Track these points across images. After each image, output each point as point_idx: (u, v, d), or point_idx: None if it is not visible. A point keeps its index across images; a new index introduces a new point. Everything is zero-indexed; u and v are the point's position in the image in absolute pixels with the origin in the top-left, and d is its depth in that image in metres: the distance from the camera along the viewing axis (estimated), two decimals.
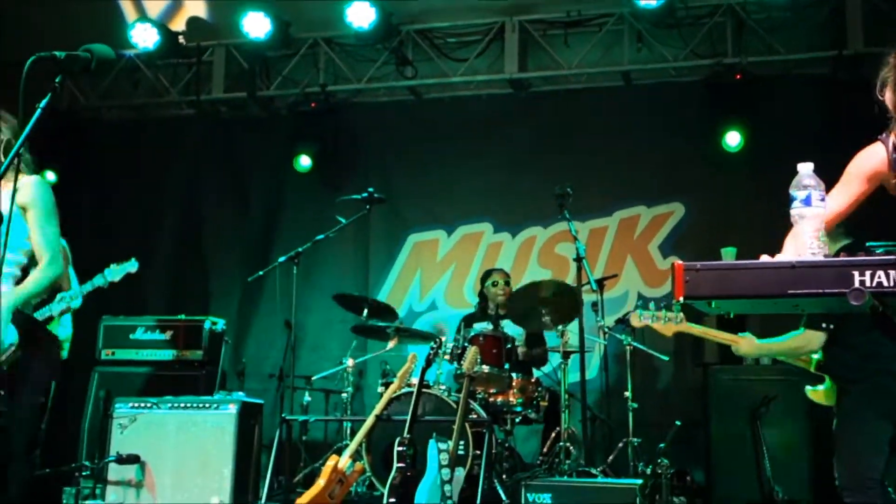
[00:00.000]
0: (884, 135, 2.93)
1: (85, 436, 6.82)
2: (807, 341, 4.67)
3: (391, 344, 6.71)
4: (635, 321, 5.01)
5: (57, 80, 3.44)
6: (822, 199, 2.45)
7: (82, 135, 8.81)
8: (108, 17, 8.54)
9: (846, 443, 4.43)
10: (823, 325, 2.12)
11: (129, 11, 8.85)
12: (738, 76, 7.62)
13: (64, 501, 6.22)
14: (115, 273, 5.62)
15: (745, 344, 4.93)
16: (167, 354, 7.02)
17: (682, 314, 5.01)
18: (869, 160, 2.97)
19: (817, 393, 4.95)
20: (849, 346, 4.45)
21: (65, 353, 5.93)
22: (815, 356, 4.88)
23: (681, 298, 2.37)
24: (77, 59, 3.42)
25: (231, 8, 8.48)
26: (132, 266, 5.65)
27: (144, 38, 8.38)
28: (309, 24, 8.61)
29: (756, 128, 7.62)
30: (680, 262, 2.40)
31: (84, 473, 5.69)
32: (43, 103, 3.38)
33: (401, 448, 5.13)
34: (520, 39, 8.36)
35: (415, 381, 5.63)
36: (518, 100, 8.52)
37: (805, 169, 2.46)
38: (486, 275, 7.29)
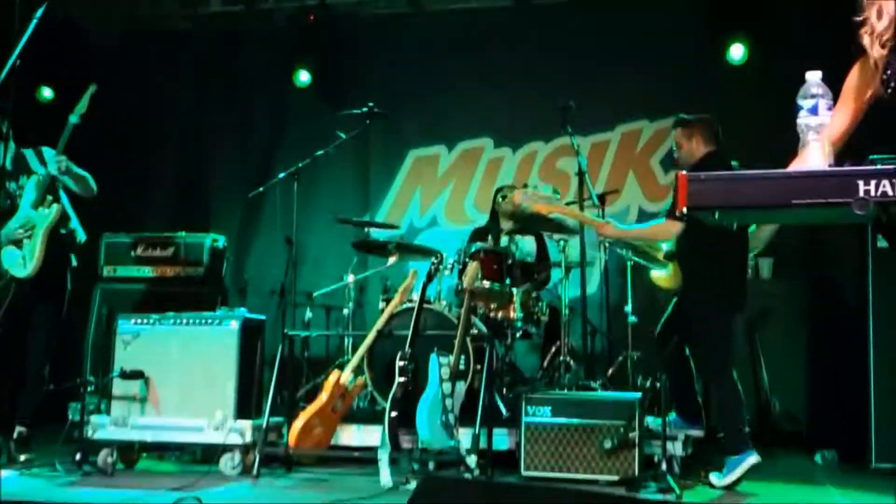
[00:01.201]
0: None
1: (89, 352, 6.89)
2: (665, 230, 5.23)
3: (392, 260, 6.71)
4: (517, 198, 5.43)
5: None
6: (829, 109, 2.42)
7: (77, 48, 8.67)
8: None
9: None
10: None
11: None
12: None
13: (69, 416, 6.29)
14: (79, 107, 5.70)
15: (609, 228, 5.30)
16: (168, 271, 7.04)
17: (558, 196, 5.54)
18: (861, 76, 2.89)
19: (661, 277, 5.78)
20: None
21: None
22: (666, 246, 5.61)
23: (684, 209, 2.36)
24: None
25: None
26: (90, 88, 5.72)
27: None
28: None
29: (761, 39, 7.53)
30: (684, 172, 2.39)
31: (89, 389, 5.71)
32: (39, 13, 3.33)
33: (402, 363, 5.16)
34: None
35: (416, 296, 5.64)
36: (520, 12, 8.39)
37: (813, 77, 2.43)
38: (497, 191, 7.27)
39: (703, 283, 5.21)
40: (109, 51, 8.79)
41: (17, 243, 5.74)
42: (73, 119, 5.72)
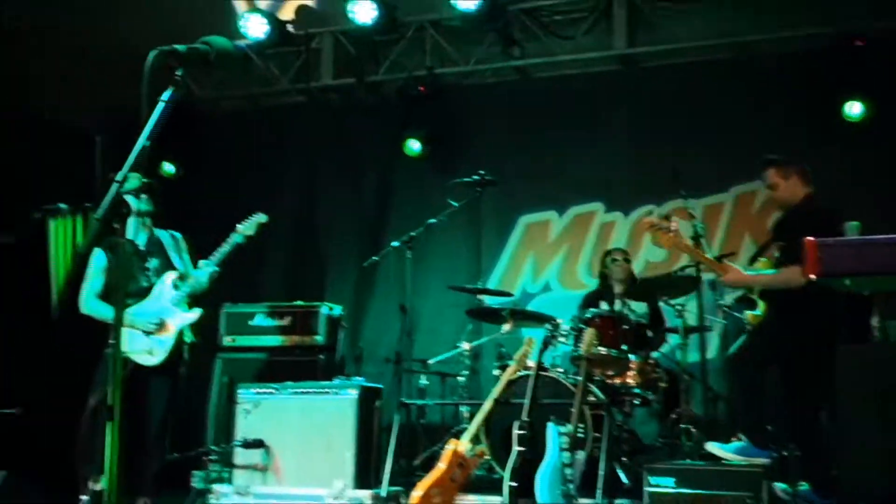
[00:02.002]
0: None
1: (211, 421, 7.03)
2: (796, 276, 4.64)
3: (506, 327, 6.69)
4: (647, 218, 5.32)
5: (178, 73, 3.50)
6: None
7: (197, 125, 9.00)
8: (220, 8, 8.73)
9: None
10: None
11: (239, 3, 9.04)
12: (860, 42, 7.37)
13: (193, 485, 6.41)
14: (247, 228, 5.88)
15: (732, 273, 5.12)
16: (286, 340, 7.17)
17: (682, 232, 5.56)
18: None
19: (755, 315, 5.51)
20: None
21: (191, 336, 6.15)
22: None
23: (813, 276, 2.31)
24: (197, 51, 3.48)
25: None
26: (261, 217, 5.91)
27: (255, 28, 8.55)
28: (414, 6, 8.65)
29: (880, 96, 7.36)
30: (811, 238, 2.33)
31: (212, 458, 5.84)
32: (166, 96, 3.44)
33: (520, 431, 5.12)
34: (628, 14, 8.23)
35: (532, 363, 5.61)
36: (627, 76, 8.39)
37: None
38: (607, 254, 7.24)
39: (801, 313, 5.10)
40: (226, 126, 9.10)
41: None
42: (238, 239, 5.94)
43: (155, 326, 5.78)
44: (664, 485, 5.05)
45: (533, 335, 6.19)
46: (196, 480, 6.37)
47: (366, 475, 5.64)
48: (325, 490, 5.53)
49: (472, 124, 8.75)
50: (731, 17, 7.94)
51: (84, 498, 5.71)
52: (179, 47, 3.44)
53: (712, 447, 5.28)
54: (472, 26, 8.44)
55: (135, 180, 3.44)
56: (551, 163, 8.46)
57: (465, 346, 7.08)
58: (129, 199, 3.73)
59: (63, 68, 8.97)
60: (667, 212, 7.04)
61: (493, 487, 5.63)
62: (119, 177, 3.35)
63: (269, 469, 5.72)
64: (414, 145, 8.56)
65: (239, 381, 6.42)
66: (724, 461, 5.23)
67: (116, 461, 3.14)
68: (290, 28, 8.82)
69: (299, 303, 7.29)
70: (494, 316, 6.82)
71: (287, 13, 8.98)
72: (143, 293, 5.87)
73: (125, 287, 3.54)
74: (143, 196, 5.59)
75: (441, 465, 5.50)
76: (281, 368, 6.87)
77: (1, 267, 7.14)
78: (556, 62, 8.51)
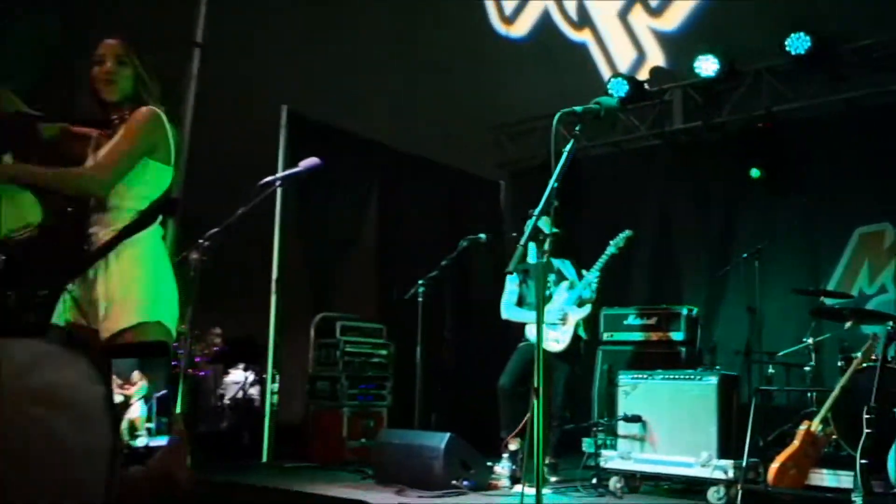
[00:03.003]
0: None
1: (595, 399, 7.17)
2: None
3: (848, 325, 6.21)
4: None
5: (577, 128, 3.67)
6: None
7: (574, 169, 9.21)
8: (590, 76, 8.97)
9: None
10: None
11: (604, 69, 9.21)
12: None
13: (584, 449, 6.57)
14: (617, 241, 6.10)
15: None
16: (653, 336, 7.15)
17: None
18: None
19: None
20: None
21: (585, 334, 6.40)
22: None
23: None
24: (591, 110, 3.63)
25: (685, 55, 8.47)
26: (628, 233, 6.10)
27: (618, 88, 8.66)
28: (751, 56, 8.32)
29: None
30: None
31: (599, 429, 5.96)
32: (568, 147, 3.62)
33: (868, 416, 4.74)
34: None
35: (876, 356, 5.17)
36: None
37: None
38: None
39: None
40: (596, 168, 9.27)
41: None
42: (611, 251, 6.26)
43: (560, 321, 6.15)
44: None
45: (873, 331, 5.71)
46: (586, 445, 6.53)
47: (727, 448, 5.47)
48: (693, 458, 5.44)
49: (806, 151, 8.20)
50: None
51: (505, 455, 6.06)
52: (577, 108, 3.60)
53: None
54: (804, 67, 7.97)
55: (544, 216, 3.65)
56: (884, 179, 7.73)
57: (810, 340, 6.68)
58: (542, 224, 3.94)
59: (472, 133, 9.63)
60: None
61: (841, 464, 5.25)
62: (536, 212, 3.57)
63: (645, 439, 5.72)
64: (755, 172, 8.20)
65: (616, 368, 6.51)
66: None
67: (542, 429, 3.33)
68: (646, 86, 8.83)
69: (664, 305, 7.25)
70: (836, 315, 6.34)
71: (643, 74, 9.00)
72: (546, 300, 6.20)
73: (542, 295, 3.72)
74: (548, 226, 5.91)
75: (795, 443, 5.23)
76: (648, 359, 6.86)
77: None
78: (882, 92, 7.78)
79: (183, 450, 1.02)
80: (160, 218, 3.11)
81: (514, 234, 6.21)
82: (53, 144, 3.13)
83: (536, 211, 3.54)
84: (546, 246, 6.13)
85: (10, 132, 2.97)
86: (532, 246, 6.02)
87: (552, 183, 3.56)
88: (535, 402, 3.16)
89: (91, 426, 0.93)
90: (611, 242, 6.28)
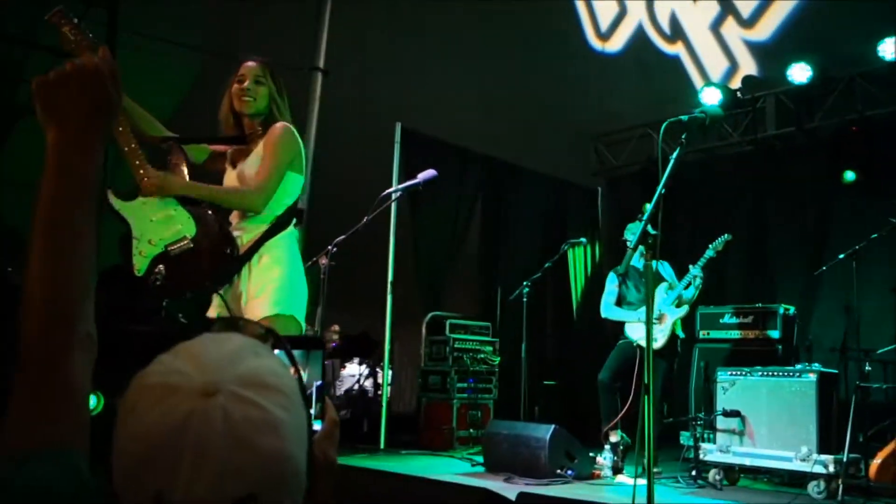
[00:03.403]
0: None
1: (692, 394, 6.92)
2: None
3: None
4: None
5: (683, 136, 3.54)
6: None
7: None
8: (682, 84, 8.71)
9: None
10: None
11: (696, 79, 8.93)
12: None
13: (682, 442, 6.36)
14: (716, 244, 5.89)
15: None
16: (748, 334, 6.87)
17: None
18: None
19: None
20: None
21: (682, 333, 6.21)
22: None
23: None
24: (697, 119, 3.50)
25: (777, 63, 8.13)
26: (726, 237, 5.89)
27: (710, 97, 8.37)
28: (843, 61, 7.90)
29: None
30: None
31: (698, 423, 5.75)
32: (675, 155, 3.49)
33: None
34: None
35: None
36: None
37: None
38: None
39: None
40: (690, 173, 8.98)
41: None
42: (710, 253, 6.06)
43: (656, 320, 5.97)
44: None
45: None
46: (684, 439, 6.33)
47: (827, 443, 5.19)
48: (792, 453, 5.18)
49: None
50: None
51: (606, 447, 5.93)
52: (683, 117, 3.48)
53: None
54: None
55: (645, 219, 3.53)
56: None
57: None
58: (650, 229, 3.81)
59: (570, 143, 9.50)
60: None
61: None
62: (645, 217, 3.46)
63: (744, 434, 5.49)
64: (849, 175, 7.78)
65: (712, 365, 6.25)
66: None
67: (651, 424, 3.21)
68: (738, 94, 8.51)
69: (759, 304, 6.94)
70: None
71: (735, 83, 8.68)
72: (642, 301, 6.06)
73: (651, 297, 3.59)
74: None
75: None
76: (744, 356, 6.58)
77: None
78: None
79: (336, 434, 1.03)
80: (294, 221, 3.18)
81: (623, 239, 6.07)
82: (201, 164, 3.23)
83: (646, 215, 3.43)
84: (654, 249, 6.06)
85: (161, 155, 3.08)
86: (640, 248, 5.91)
87: (660, 189, 3.45)
88: (646, 398, 3.06)
89: (295, 406, 0.92)
90: (710, 245, 6.07)
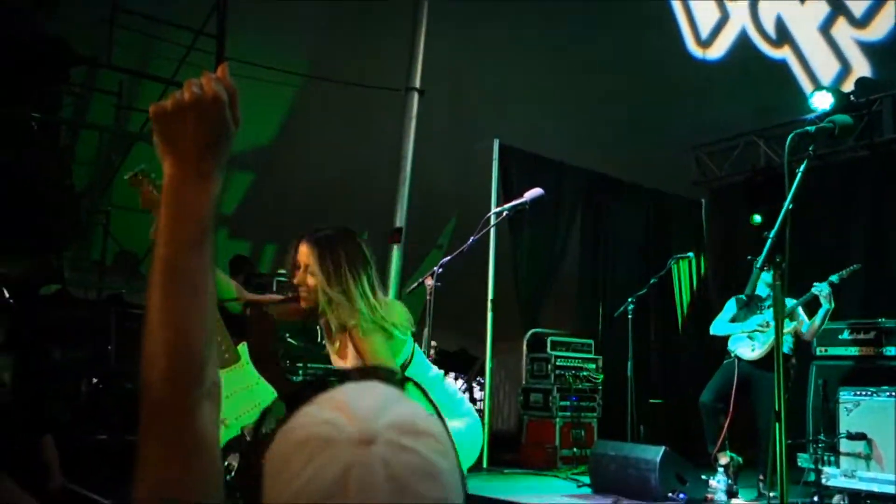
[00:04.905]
0: None
1: (809, 414, 6.60)
2: None
3: None
4: None
5: (810, 148, 3.38)
6: None
7: (776, 183, 8.63)
8: (792, 89, 8.40)
9: None
10: None
11: (805, 83, 8.58)
12: None
13: (799, 464, 6.08)
14: (844, 273, 5.62)
15: None
16: (870, 350, 6.50)
17: None
18: None
19: None
20: None
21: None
22: None
23: None
24: (824, 129, 3.34)
25: (894, 63, 7.72)
26: (855, 266, 5.62)
27: (821, 101, 8.02)
28: None
29: None
30: None
31: (819, 445, 5.48)
32: (802, 168, 3.34)
33: None
34: None
35: None
36: None
37: None
38: None
39: None
40: (800, 182, 8.59)
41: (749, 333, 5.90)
42: (835, 279, 5.82)
43: (761, 328, 5.77)
44: None
45: None
46: (802, 461, 6.04)
47: None
48: None
49: None
50: None
51: (719, 469, 5.72)
52: (811, 128, 3.33)
53: None
54: None
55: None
56: None
57: None
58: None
59: (671, 154, 9.28)
60: None
61: None
62: (772, 234, 3.31)
63: (871, 458, 5.19)
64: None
65: (830, 383, 5.95)
66: None
67: (784, 452, 3.05)
68: (851, 98, 8.12)
69: (881, 320, 6.56)
70: None
71: (847, 86, 8.29)
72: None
73: (781, 320, 3.37)
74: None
75: None
76: (865, 374, 6.22)
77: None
78: None
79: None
80: None
81: (750, 258, 5.81)
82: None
83: (772, 233, 3.28)
84: (782, 269, 5.84)
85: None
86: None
87: (787, 204, 3.28)
88: (776, 425, 2.92)
89: (448, 451, 0.90)
90: (838, 273, 5.79)
